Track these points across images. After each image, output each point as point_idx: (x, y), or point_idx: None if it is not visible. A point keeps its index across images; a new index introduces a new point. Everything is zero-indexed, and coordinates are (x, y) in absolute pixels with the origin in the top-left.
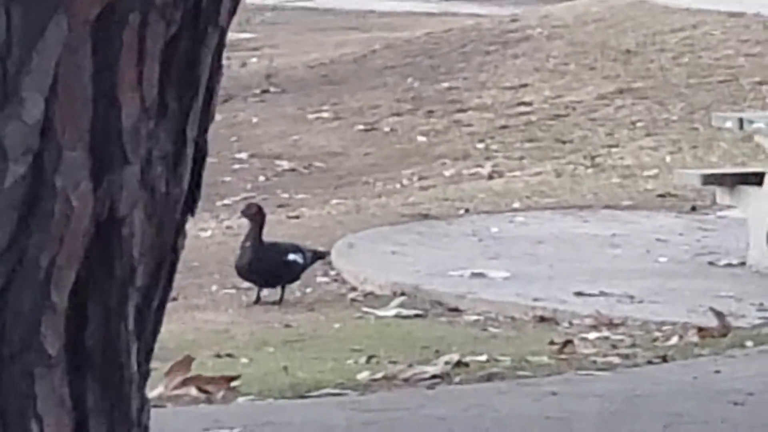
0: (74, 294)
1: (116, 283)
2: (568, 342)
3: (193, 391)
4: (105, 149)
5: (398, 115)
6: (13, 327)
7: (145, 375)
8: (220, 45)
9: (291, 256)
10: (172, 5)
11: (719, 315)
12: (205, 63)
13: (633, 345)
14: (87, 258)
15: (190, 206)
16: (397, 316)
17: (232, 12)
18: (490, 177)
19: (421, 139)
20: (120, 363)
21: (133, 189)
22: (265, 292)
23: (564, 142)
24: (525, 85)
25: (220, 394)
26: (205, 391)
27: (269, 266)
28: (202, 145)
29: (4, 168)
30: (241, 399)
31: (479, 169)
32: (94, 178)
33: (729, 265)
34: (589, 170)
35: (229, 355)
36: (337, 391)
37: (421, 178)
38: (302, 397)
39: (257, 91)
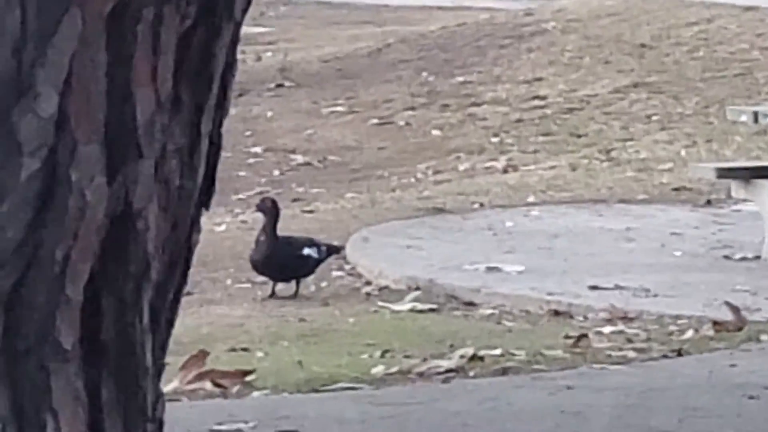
0: (89, 288)
1: (131, 277)
2: (583, 336)
3: (207, 385)
4: (120, 143)
5: (413, 109)
6: (28, 321)
7: (159, 369)
8: (235, 39)
9: (306, 251)
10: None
11: (734, 309)
12: (220, 57)
13: (648, 339)
14: (102, 252)
15: (204, 200)
16: (411, 310)
17: (246, 6)
18: (505, 171)
19: (435, 133)
20: (135, 357)
21: (148, 183)
22: (280, 286)
23: (579, 136)
24: (539, 79)
25: (235, 388)
26: (220, 386)
27: (284, 260)
28: (216, 139)
29: (19, 162)
30: (255, 393)
31: (494, 163)
32: (109, 172)
33: (744, 258)
34: (604, 164)
35: (244, 349)
36: (351, 385)
37: (435, 172)
38: (317, 391)
39: (272, 85)
